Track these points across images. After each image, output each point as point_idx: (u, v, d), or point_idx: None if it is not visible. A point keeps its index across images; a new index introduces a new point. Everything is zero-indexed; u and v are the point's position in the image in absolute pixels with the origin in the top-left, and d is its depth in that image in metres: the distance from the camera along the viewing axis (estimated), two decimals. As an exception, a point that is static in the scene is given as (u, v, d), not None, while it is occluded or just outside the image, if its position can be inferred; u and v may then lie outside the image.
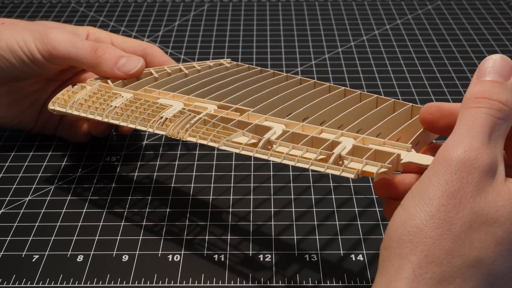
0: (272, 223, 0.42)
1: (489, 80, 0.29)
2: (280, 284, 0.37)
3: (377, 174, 0.30)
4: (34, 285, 0.37)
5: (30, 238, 0.41)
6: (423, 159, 0.31)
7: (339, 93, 0.41)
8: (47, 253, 0.39)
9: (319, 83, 0.43)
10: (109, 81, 0.43)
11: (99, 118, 0.40)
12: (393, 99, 0.39)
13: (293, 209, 0.43)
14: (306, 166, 0.32)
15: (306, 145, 0.33)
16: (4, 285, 0.37)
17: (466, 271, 0.25)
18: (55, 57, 0.44)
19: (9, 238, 0.41)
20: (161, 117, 0.38)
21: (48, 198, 0.44)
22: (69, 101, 0.41)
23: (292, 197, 0.44)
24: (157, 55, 0.49)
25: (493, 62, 0.29)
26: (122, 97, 0.41)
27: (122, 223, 0.42)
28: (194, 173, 0.47)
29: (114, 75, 0.43)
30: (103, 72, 0.44)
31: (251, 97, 0.41)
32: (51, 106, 0.42)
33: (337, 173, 0.31)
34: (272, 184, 0.46)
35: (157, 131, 0.38)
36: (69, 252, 0.39)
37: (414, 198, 0.27)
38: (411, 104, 0.38)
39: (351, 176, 0.30)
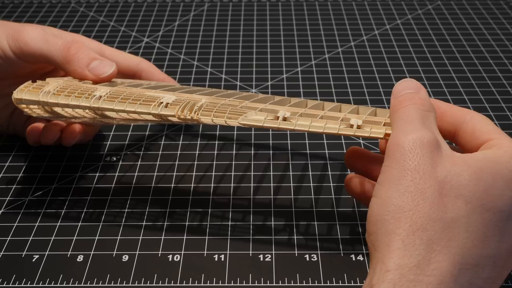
0: (272, 223, 0.42)
1: (407, 92, 0.34)
2: (280, 284, 0.37)
3: None
4: (34, 285, 0.37)
5: (30, 238, 0.41)
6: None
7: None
8: (47, 253, 0.39)
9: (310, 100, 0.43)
10: (75, 80, 0.41)
11: (85, 104, 0.36)
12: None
13: (293, 209, 0.43)
14: (334, 131, 0.34)
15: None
16: (4, 285, 0.37)
17: (448, 231, 0.28)
18: (27, 53, 0.42)
19: (9, 238, 0.41)
20: (160, 102, 0.36)
21: (48, 198, 0.44)
22: (38, 92, 0.38)
23: (292, 197, 0.44)
24: (155, 72, 0.49)
25: (403, 83, 0.35)
26: (101, 90, 0.38)
27: (122, 223, 0.42)
28: (194, 173, 0.47)
29: (84, 76, 0.42)
30: (74, 71, 0.42)
31: (241, 94, 0.40)
32: (17, 95, 0.38)
33: (366, 134, 0.34)
34: (272, 184, 0.46)
35: (163, 112, 0.35)
36: (69, 252, 0.39)
37: (383, 185, 0.30)
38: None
39: (380, 136, 0.34)
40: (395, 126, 0.33)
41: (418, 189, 0.29)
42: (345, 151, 0.49)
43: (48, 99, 0.37)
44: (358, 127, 0.35)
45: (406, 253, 0.28)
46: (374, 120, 0.36)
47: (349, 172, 0.47)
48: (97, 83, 0.41)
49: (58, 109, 0.40)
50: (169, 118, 0.36)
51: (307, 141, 0.51)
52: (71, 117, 0.41)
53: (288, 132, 0.52)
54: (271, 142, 0.51)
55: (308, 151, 0.50)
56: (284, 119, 0.35)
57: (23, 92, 0.38)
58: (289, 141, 0.51)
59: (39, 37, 0.43)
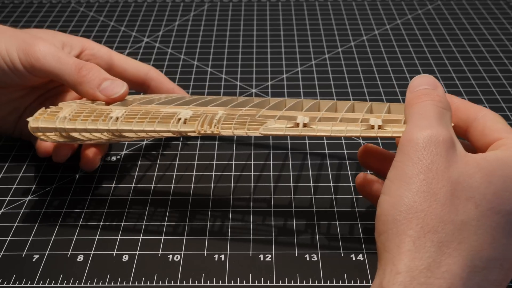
0: (272, 223, 0.42)
1: (424, 88, 0.34)
2: (280, 284, 0.37)
3: None
4: (34, 285, 0.37)
5: (30, 238, 0.41)
6: None
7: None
8: (47, 253, 0.39)
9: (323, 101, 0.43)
10: (87, 102, 0.41)
11: (103, 127, 0.36)
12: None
13: (293, 209, 0.43)
14: (356, 134, 0.35)
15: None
16: (4, 285, 0.37)
17: (458, 234, 0.28)
18: (37, 69, 0.42)
19: (9, 238, 0.41)
20: (178, 119, 0.36)
21: (48, 198, 0.44)
22: (53, 119, 0.37)
23: (293, 197, 0.44)
24: (164, 82, 0.48)
25: (421, 78, 0.34)
26: (116, 111, 0.38)
27: (122, 223, 0.42)
28: (194, 173, 0.47)
29: (95, 97, 0.41)
30: (85, 92, 0.42)
31: (255, 102, 0.41)
32: (33, 124, 0.37)
33: (388, 134, 0.34)
34: (272, 184, 0.46)
35: (183, 129, 0.35)
36: (69, 252, 0.39)
37: (394, 182, 0.30)
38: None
39: (400, 135, 0.33)
40: (410, 120, 0.32)
41: (431, 189, 0.29)
42: (344, 150, 0.49)
43: (65, 125, 0.37)
44: (379, 127, 0.35)
45: (417, 255, 0.27)
46: (393, 118, 0.36)
47: (348, 172, 0.47)
48: (109, 103, 0.41)
49: (75, 134, 0.39)
50: (188, 134, 0.36)
51: (306, 141, 0.51)
52: (87, 140, 0.41)
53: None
54: (271, 142, 0.51)
55: (308, 151, 0.50)
56: (304, 125, 0.36)
57: (39, 120, 0.37)
58: (289, 141, 0.51)
59: (51, 54, 0.42)
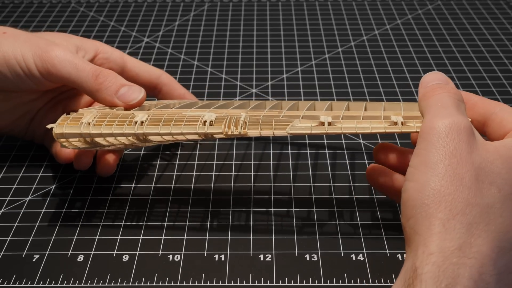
0: (272, 223, 0.42)
1: (437, 83, 0.35)
2: (280, 284, 0.37)
3: None
4: (34, 285, 0.37)
5: (30, 238, 0.41)
6: None
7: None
8: (47, 253, 0.39)
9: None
10: (106, 108, 0.41)
11: (130, 131, 0.36)
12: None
13: (293, 209, 0.43)
14: (381, 130, 0.35)
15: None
16: (4, 285, 0.37)
17: (485, 216, 0.29)
18: (54, 75, 0.42)
19: (9, 238, 0.41)
20: (204, 121, 0.36)
21: (49, 198, 0.44)
22: (77, 124, 0.37)
23: (293, 197, 0.44)
24: (176, 87, 0.48)
25: (432, 75, 0.36)
26: (139, 115, 0.38)
27: (122, 223, 0.42)
28: (194, 173, 0.47)
29: (113, 103, 0.41)
30: (102, 99, 0.41)
31: (272, 104, 0.41)
32: (57, 130, 0.37)
33: (412, 130, 0.35)
34: (272, 184, 0.46)
35: (210, 131, 0.35)
36: (69, 252, 0.39)
37: (419, 169, 0.31)
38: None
39: None
40: (429, 111, 0.33)
41: (456, 174, 0.30)
42: (345, 150, 0.49)
43: (90, 130, 0.36)
44: (402, 123, 0.36)
45: (448, 236, 0.28)
46: (413, 115, 0.37)
47: (348, 172, 0.47)
48: (127, 109, 0.41)
49: (99, 139, 0.39)
50: (215, 135, 0.36)
51: (307, 141, 0.51)
52: (109, 146, 0.41)
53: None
54: (271, 142, 0.51)
55: (308, 151, 0.50)
56: (329, 123, 0.36)
57: (63, 126, 0.37)
58: (289, 141, 0.51)
59: (68, 60, 0.42)
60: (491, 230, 0.29)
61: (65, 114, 0.39)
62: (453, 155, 0.30)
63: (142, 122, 0.37)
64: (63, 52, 0.42)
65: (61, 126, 0.37)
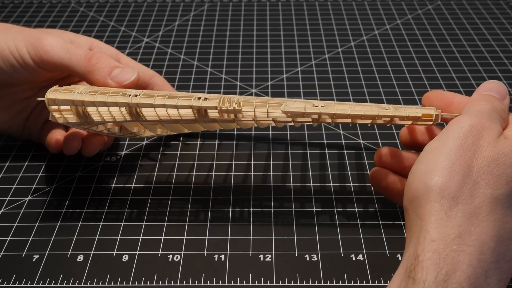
0: (272, 223, 0.42)
1: (492, 94, 0.36)
2: (280, 284, 0.37)
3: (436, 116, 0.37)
4: (34, 285, 0.37)
5: (30, 238, 0.41)
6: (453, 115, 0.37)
7: None
8: (47, 253, 0.39)
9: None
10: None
11: (124, 100, 0.36)
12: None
13: (293, 209, 0.43)
14: (374, 113, 0.36)
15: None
16: (4, 285, 0.37)
17: (487, 207, 0.30)
18: (47, 62, 0.42)
19: (9, 238, 0.41)
20: (198, 97, 0.35)
21: (48, 198, 0.44)
22: (71, 93, 0.37)
23: (293, 196, 0.44)
24: (167, 88, 0.49)
25: (494, 84, 0.37)
26: (133, 91, 0.37)
27: (122, 223, 0.42)
28: (194, 173, 0.47)
29: (107, 84, 0.41)
30: (95, 80, 0.42)
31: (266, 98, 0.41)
32: (50, 95, 0.36)
33: (404, 114, 0.36)
34: (272, 184, 0.46)
35: (204, 105, 0.35)
36: (69, 252, 0.39)
37: (432, 153, 0.32)
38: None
39: (431, 112, 0.36)
40: (465, 112, 0.35)
41: (466, 165, 0.31)
42: (345, 150, 0.49)
43: (84, 98, 0.36)
44: (395, 109, 0.36)
45: (449, 224, 0.30)
46: (406, 107, 0.37)
47: (348, 172, 0.47)
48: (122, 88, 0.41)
49: (91, 110, 0.39)
50: (209, 111, 0.35)
51: (307, 141, 0.51)
52: (102, 122, 0.40)
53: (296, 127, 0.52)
54: (271, 142, 0.51)
55: (308, 151, 0.50)
56: (322, 107, 0.36)
57: (57, 93, 0.36)
58: (289, 141, 0.51)
59: (59, 46, 0.42)
60: (491, 219, 0.30)
61: (57, 85, 0.39)
62: (469, 148, 0.32)
63: (136, 95, 0.36)
64: (55, 38, 0.43)
65: (54, 92, 0.37)
